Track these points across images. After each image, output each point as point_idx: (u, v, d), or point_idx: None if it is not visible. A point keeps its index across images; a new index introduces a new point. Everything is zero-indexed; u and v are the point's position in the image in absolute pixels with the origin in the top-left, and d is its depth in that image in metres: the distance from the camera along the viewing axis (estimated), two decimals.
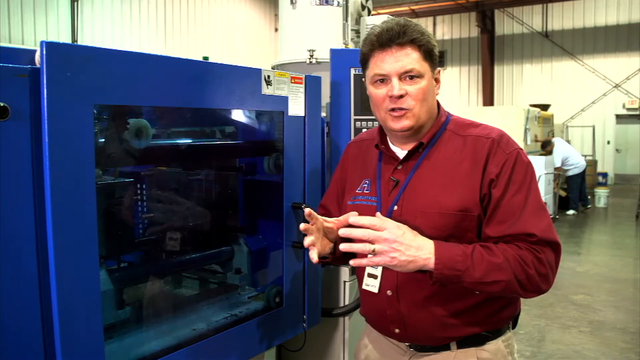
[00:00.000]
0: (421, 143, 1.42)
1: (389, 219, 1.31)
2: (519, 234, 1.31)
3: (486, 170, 1.34)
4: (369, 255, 1.27)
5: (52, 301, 1.24)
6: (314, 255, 1.39)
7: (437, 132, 1.44)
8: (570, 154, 9.89)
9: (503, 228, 1.32)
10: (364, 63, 1.43)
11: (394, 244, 1.24)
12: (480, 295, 1.37)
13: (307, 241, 1.39)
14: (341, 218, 1.43)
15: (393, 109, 1.37)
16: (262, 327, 1.89)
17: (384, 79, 1.37)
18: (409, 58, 1.34)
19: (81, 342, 1.29)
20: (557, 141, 9.99)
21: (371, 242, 1.25)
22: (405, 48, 1.34)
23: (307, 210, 1.37)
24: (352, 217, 1.30)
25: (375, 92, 1.39)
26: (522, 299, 1.50)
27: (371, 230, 1.26)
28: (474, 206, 1.34)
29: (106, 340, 1.38)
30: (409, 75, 1.35)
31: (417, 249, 1.26)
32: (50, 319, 1.25)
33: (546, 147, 9.72)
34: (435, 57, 1.40)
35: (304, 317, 2.06)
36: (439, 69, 1.43)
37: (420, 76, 1.35)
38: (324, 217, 1.44)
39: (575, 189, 10.19)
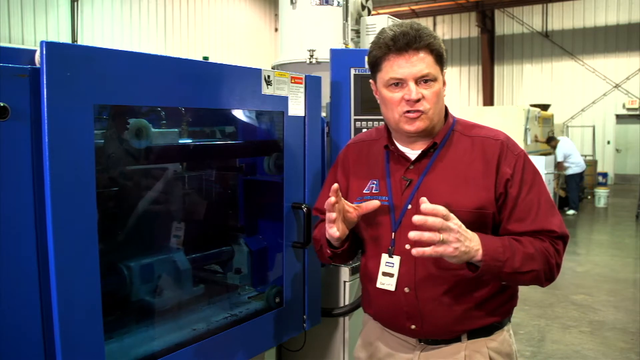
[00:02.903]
0: (434, 143, 1.45)
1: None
2: (541, 230, 1.39)
3: (500, 171, 1.40)
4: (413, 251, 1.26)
5: (52, 301, 1.24)
6: (335, 232, 1.39)
7: (447, 132, 1.48)
8: (573, 152, 10.03)
9: (525, 225, 1.39)
10: (376, 65, 1.44)
11: (457, 235, 1.26)
12: (493, 287, 1.43)
13: (331, 216, 1.38)
14: (362, 205, 1.44)
15: (408, 111, 1.39)
16: (262, 327, 1.89)
17: (399, 83, 1.39)
18: (424, 63, 1.37)
19: (81, 342, 1.29)
20: (563, 139, 10.21)
21: (439, 231, 1.24)
22: (419, 52, 1.37)
23: (335, 185, 1.35)
24: (423, 204, 1.25)
25: (390, 95, 1.41)
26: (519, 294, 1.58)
27: (442, 219, 1.25)
28: (490, 205, 1.40)
29: (106, 340, 1.38)
30: (424, 79, 1.38)
31: (470, 241, 1.29)
32: (50, 319, 1.25)
33: (551, 142, 10.04)
34: (444, 60, 1.44)
35: (304, 317, 2.06)
36: (445, 70, 1.46)
37: (434, 80, 1.39)
38: (345, 200, 1.43)
39: (575, 189, 10.22)
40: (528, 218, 1.39)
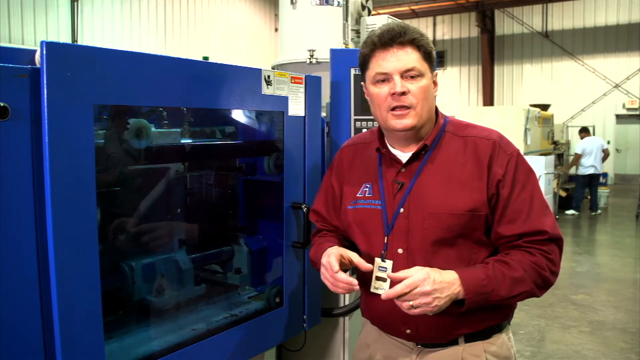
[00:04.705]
0: (425, 145, 1.44)
1: (414, 270, 1.30)
2: (531, 232, 1.36)
3: (492, 171, 1.38)
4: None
5: (52, 301, 1.24)
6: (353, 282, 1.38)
7: (438, 133, 1.46)
8: (589, 154, 10.01)
9: (515, 226, 1.37)
10: (364, 64, 1.44)
11: (432, 294, 1.27)
12: None
13: (348, 278, 1.37)
14: (355, 261, 1.42)
15: (394, 108, 1.38)
16: (262, 327, 1.89)
17: (385, 78, 1.39)
18: (410, 57, 1.37)
19: (81, 342, 1.29)
20: (591, 137, 10.39)
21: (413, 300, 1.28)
22: (405, 47, 1.37)
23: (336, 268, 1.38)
24: (386, 292, 1.30)
25: (377, 91, 1.41)
26: None
27: (411, 290, 1.27)
28: (482, 206, 1.38)
29: (106, 340, 1.38)
30: (410, 74, 1.37)
31: (449, 287, 1.29)
32: (50, 319, 1.25)
33: (581, 133, 10.51)
34: (433, 60, 1.43)
35: (304, 317, 2.06)
36: (436, 72, 1.46)
37: (420, 75, 1.38)
38: (341, 251, 1.43)
39: (580, 190, 10.24)
40: (519, 219, 1.37)
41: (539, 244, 1.36)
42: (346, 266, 1.43)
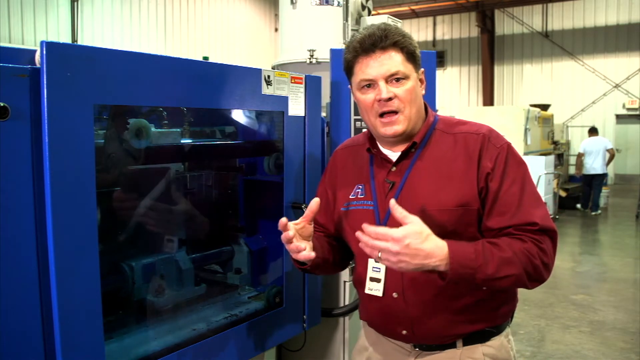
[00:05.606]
0: (414, 143, 1.43)
1: (411, 223, 1.26)
2: (522, 223, 1.33)
3: (481, 165, 1.37)
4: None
5: (52, 301, 1.24)
6: (308, 253, 1.38)
7: (427, 131, 1.45)
8: (589, 154, 10.10)
9: (504, 219, 1.34)
10: (349, 70, 1.44)
11: (399, 256, 1.22)
12: (485, 290, 1.38)
13: (295, 246, 1.38)
14: (308, 212, 1.42)
15: (382, 114, 1.38)
16: (262, 327, 1.89)
17: (370, 84, 1.38)
18: (393, 61, 1.36)
19: (81, 342, 1.29)
20: (595, 137, 10.44)
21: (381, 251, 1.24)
22: (388, 51, 1.36)
23: (282, 220, 1.37)
24: (363, 230, 1.27)
25: (363, 97, 1.40)
26: (518, 294, 1.53)
27: (377, 242, 1.23)
28: (473, 200, 1.36)
29: (106, 340, 1.38)
30: (394, 78, 1.37)
31: (423, 257, 1.23)
32: (50, 319, 1.25)
33: (589, 132, 10.67)
34: (418, 58, 1.42)
35: (304, 317, 2.06)
36: (422, 69, 1.45)
37: (405, 78, 1.37)
38: (293, 222, 1.42)
39: (587, 189, 10.36)
40: (509, 211, 1.33)
41: (530, 232, 1.33)
42: (308, 231, 1.43)
